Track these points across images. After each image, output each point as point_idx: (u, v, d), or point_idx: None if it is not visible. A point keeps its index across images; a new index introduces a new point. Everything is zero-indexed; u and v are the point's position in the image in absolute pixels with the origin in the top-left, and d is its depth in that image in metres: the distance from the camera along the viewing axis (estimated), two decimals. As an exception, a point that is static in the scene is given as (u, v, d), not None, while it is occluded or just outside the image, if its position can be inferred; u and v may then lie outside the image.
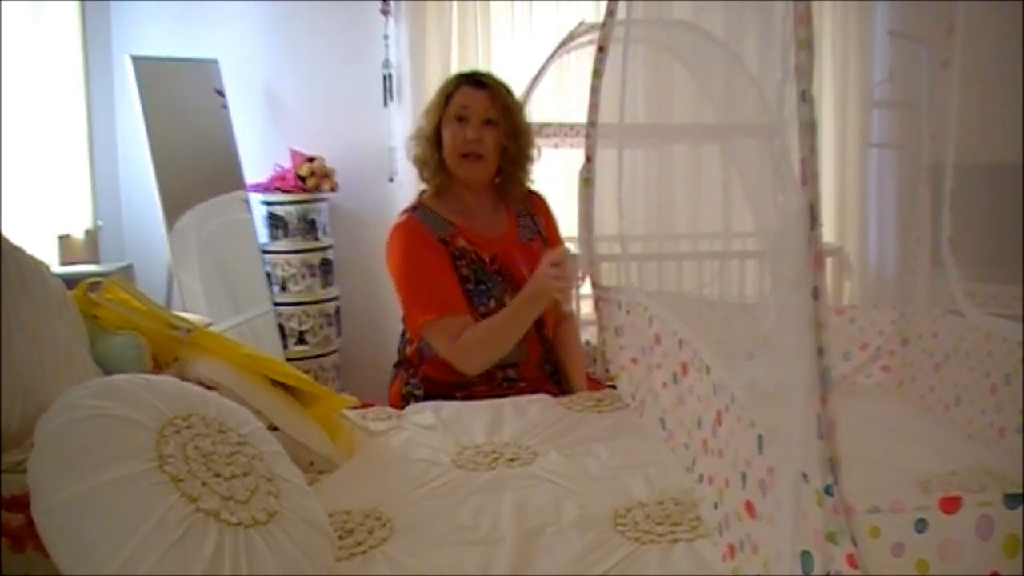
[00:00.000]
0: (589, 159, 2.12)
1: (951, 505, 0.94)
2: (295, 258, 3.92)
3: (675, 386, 1.65)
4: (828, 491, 0.94)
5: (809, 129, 0.95)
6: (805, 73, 0.95)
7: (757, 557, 1.15)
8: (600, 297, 2.13)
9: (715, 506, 1.35)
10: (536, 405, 2.01)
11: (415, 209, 2.22)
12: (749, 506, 1.19)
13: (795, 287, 0.96)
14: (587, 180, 2.11)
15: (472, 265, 2.12)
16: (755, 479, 1.17)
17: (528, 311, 2.05)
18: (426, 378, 2.18)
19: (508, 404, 2.02)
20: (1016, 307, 2.06)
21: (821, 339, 0.92)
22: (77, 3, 3.43)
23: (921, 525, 0.95)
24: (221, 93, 3.88)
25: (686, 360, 1.57)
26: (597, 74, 2.11)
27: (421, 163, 2.19)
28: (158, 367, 1.65)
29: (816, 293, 0.92)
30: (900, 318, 2.02)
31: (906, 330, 2.00)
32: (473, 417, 1.95)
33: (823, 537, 0.94)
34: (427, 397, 2.15)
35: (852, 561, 0.93)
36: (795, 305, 0.96)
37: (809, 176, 0.94)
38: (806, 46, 0.95)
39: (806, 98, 0.95)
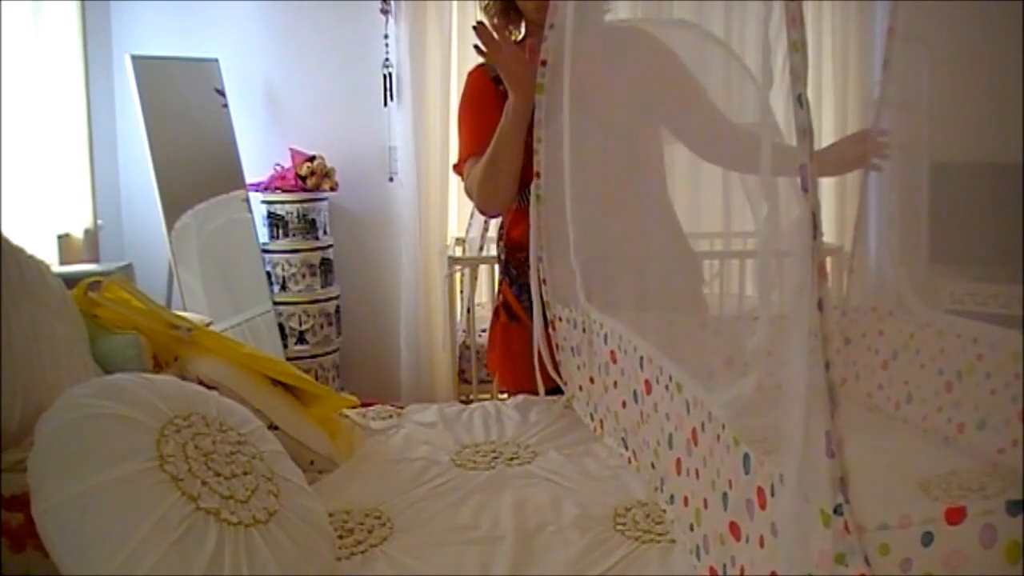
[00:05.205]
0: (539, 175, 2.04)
1: (956, 516, 0.92)
2: (295, 257, 3.92)
3: (636, 404, 1.60)
4: (838, 511, 0.90)
5: (806, 134, 0.90)
6: (800, 76, 0.90)
7: (743, 581, 1.12)
8: (557, 316, 2.04)
9: (691, 528, 1.32)
10: (536, 405, 2.01)
11: None
12: (733, 527, 1.15)
13: (796, 297, 0.93)
14: (539, 196, 1.99)
15: None
16: (741, 499, 1.13)
17: (509, 118, 1.96)
18: (509, 240, 2.18)
19: (508, 403, 2.02)
20: (1016, 307, 2.06)
21: (828, 352, 0.89)
22: (77, 3, 3.43)
23: (927, 538, 0.92)
24: (221, 93, 3.88)
25: (648, 378, 1.52)
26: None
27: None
28: (158, 366, 1.65)
29: (821, 304, 0.88)
30: (842, 317, 2.01)
31: (848, 329, 1.99)
32: (472, 415, 1.95)
33: (831, 559, 0.91)
34: (508, 262, 2.18)
35: None
36: (796, 316, 0.93)
37: (810, 183, 0.89)
38: (800, 48, 0.90)
39: (802, 102, 0.89)
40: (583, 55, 1.84)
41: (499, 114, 2.03)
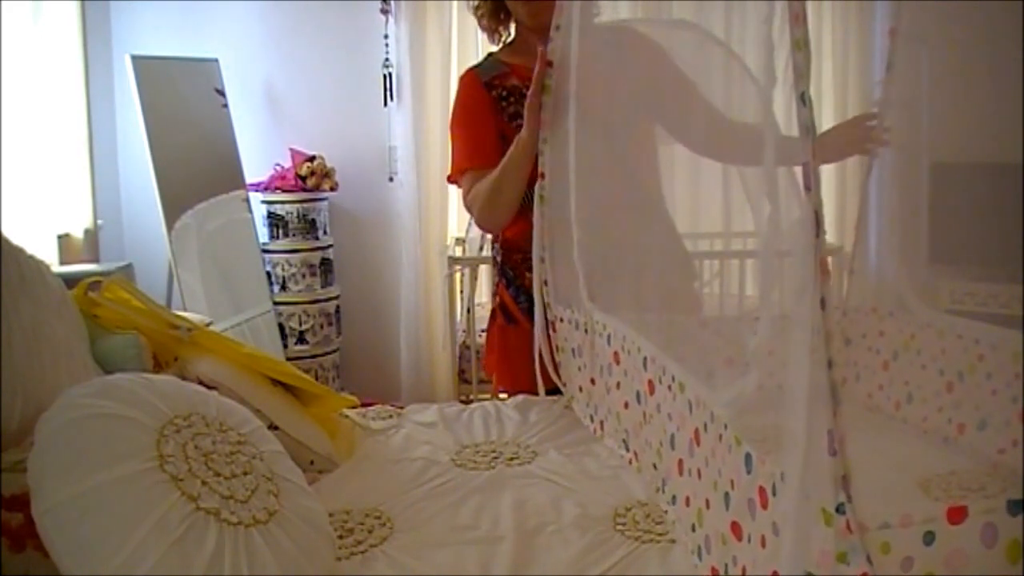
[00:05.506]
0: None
1: (957, 515, 0.92)
2: (295, 257, 3.92)
3: (639, 405, 1.60)
4: (840, 510, 0.90)
5: (809, 133, 0.90)
6: (803, 74, 0.90)
7: (746, 581, 1.11)
8: (558, 317, 2.02)
9: (693, 528, 1.31)
10: (536, 405, 2.01)
11: (480, 62, 2.19)
12: (735, 527, 1.15)
13: (798, 296, 0.92)
14: (542, 197, 1.98)
15: (522, 101, 2.00)
16: (742, 499, 1.12)
17: (518, 150, 1.96)
18: (504, 241, 2.17)
19: (508, 403, 2.02)
20: (1016, 307, 2.06)
21: (830, 351, 0.89)
22: (77, 3, 3.43)
23: (929, 537, 0.92)
24: (221, 93, 3.88)
25: (652, 379, 1.52)
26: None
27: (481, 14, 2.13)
28: (158, 366, 1.65)
29: (823, 303, 0.88)
30: (842, 317, 2.01)
31: (849, 330, 1.99)
32: (472, 415, 1.95)
33: (833, 558, 0.91)
34: (504, 264, 2.17)
35: None
36: (798, 315, 0.93)
37: (812, 182, 0.89)
38: (802, 46, 0.90)
39: (805, 100, 0.90)
40: (579, 56, 1.85)
41: (492, 121, 2.03)
